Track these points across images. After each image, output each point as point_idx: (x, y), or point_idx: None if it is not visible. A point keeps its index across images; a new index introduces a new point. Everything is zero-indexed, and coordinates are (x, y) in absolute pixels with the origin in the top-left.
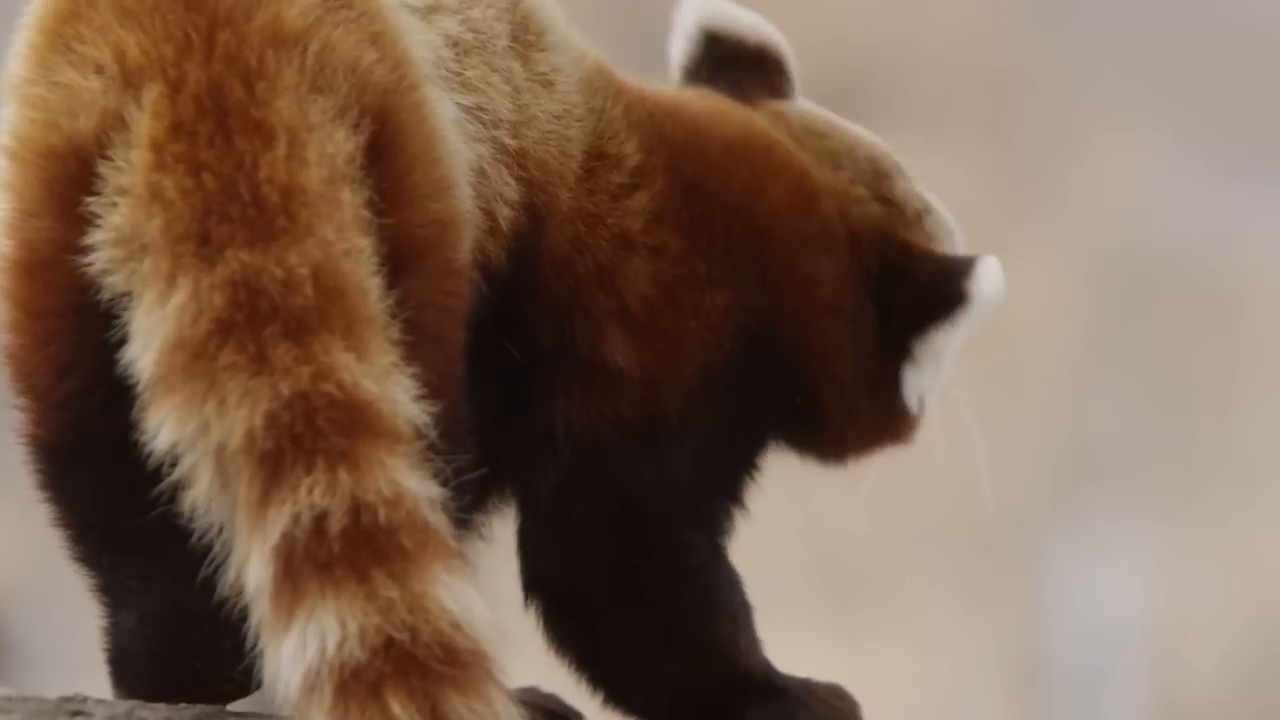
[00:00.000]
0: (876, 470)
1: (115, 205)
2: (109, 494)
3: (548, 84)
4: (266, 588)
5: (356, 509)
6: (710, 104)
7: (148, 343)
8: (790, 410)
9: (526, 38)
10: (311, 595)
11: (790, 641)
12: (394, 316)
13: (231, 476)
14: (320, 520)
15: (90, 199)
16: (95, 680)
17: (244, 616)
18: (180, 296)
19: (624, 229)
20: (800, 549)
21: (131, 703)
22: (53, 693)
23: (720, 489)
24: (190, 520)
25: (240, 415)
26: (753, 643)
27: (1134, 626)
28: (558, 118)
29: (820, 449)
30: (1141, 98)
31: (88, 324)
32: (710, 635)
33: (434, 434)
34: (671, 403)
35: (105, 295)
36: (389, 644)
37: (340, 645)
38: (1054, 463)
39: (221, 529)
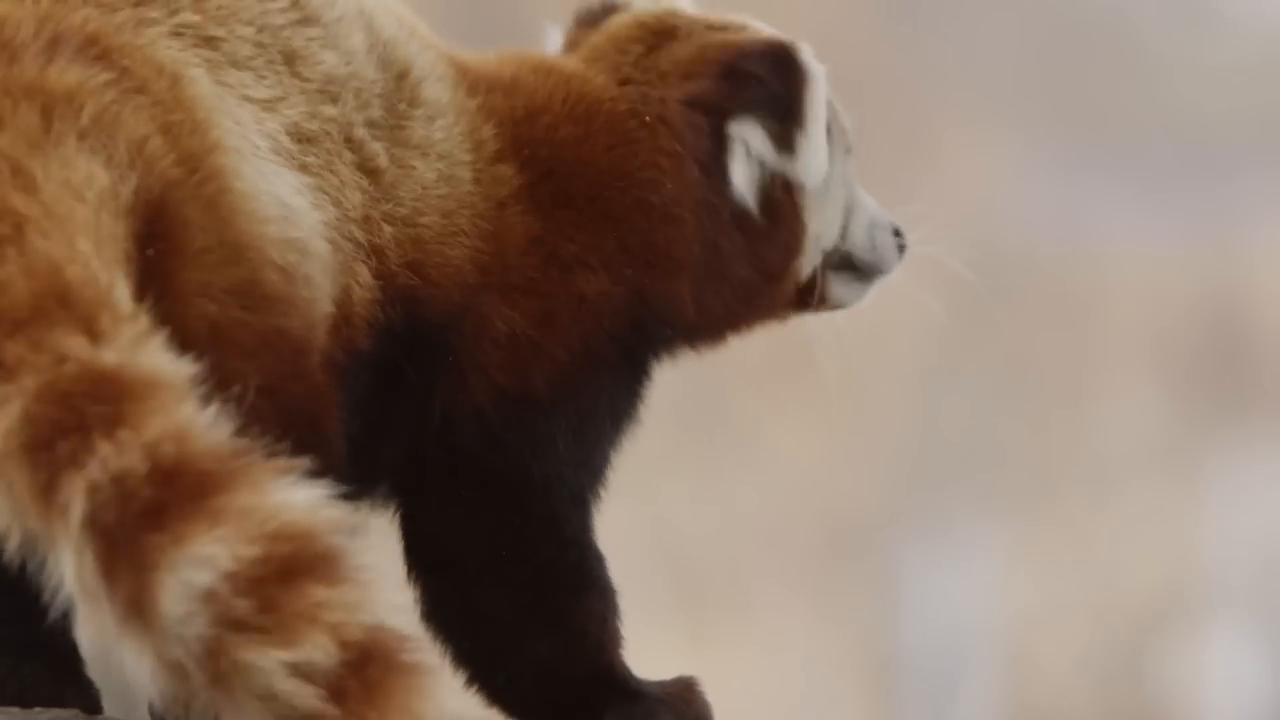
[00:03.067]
0: (726, 470)
1: None
2: None
3: (424, 153)
4: (97, 575)
5: (151, 453)
6: (525, 67)
7: None
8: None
9: (399, 104)
10: (157, 548)
11: (638, 643)
12: (228, 395)
13: (14, 485)
14: (119, 478)
15: None
16: None
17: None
18: None
19: (499, 195)
20: (648, 549)
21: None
22: None
23: (591, 465)
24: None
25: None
26: (616, 636)
27: (986, 627)
28: (437, 181)
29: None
30: (989, 96)
31: None
32: (580, 608)
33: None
34: (540, 381)
35: None
36: (267, 556)
37: (227, 572)
38: (906, 463)
39: (32, 551)
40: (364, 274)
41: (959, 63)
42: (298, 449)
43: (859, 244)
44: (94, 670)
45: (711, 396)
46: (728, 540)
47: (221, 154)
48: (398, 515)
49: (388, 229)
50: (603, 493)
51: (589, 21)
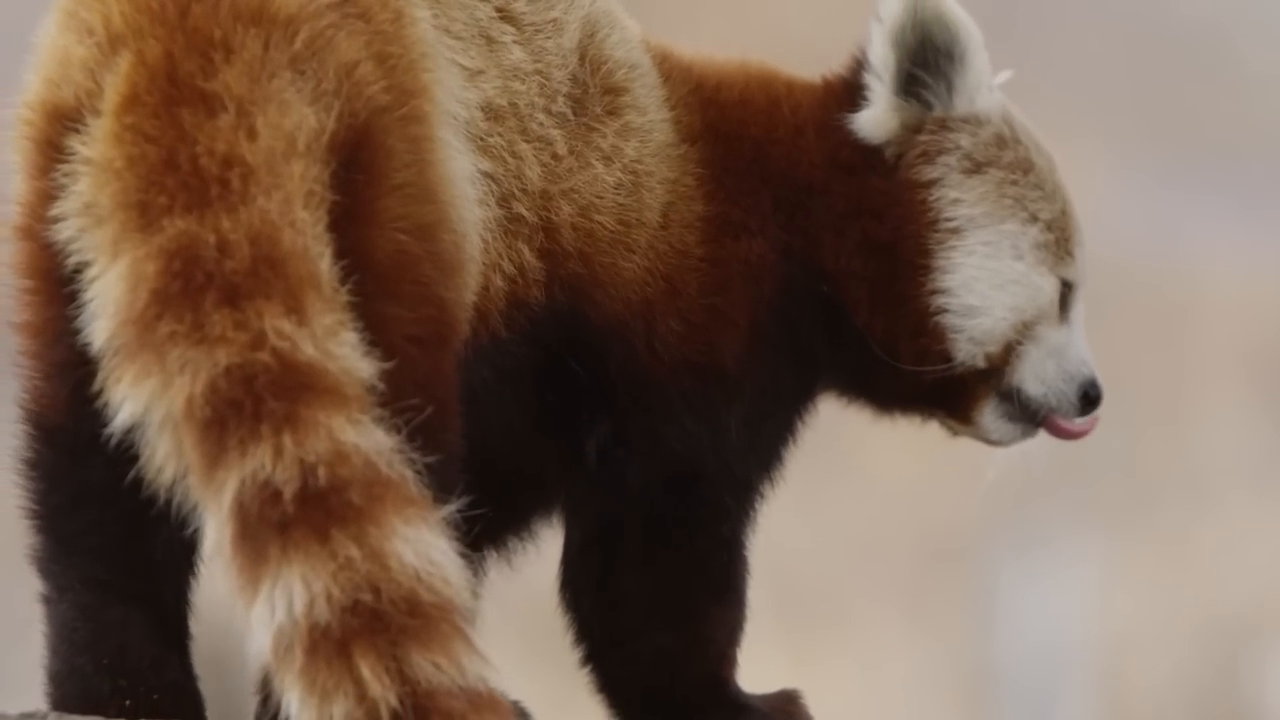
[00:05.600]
0: (825, 486)
1: (80, 174)
2: (83, 465)
3: (607, 159)
4: (228, 552)
5: (304, 471)
6: (722, 59)
7: (98, 314)
8: (838, 346)
9: (595, 108)
10: (273, 558)
11: (740, 656)
12: (369, 342)
13: (183, 446)
14: (267, 484)
15: (63, 167)
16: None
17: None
18: (121, 266)
19: (687, 243)
20: (749, 565)
21: (95, 718)
22: (12, 709)
23: (759, 459)
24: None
25: (181, 384)
26: (736, 654)
27: (1083, 641)
28: (616, 188)
29: (876, 375)
30: (1083, 110)
31: (59, 294)
32: (716, 613)
33: (426, 477)
34: (729, 354)
35: (70, 266)
36: (355, 603)
37: (308, 607)
38: (1001, 478)
39: (184, 498)
40: (525, 254)
41: (1054, 76)
42: (427, 418)
43: (1029, 374)
44: (205, 678)
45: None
46: (826, 556)
47: (429, 101)
48: (565, 491)
49: (566, 208)
50: (771, 483)
51: None
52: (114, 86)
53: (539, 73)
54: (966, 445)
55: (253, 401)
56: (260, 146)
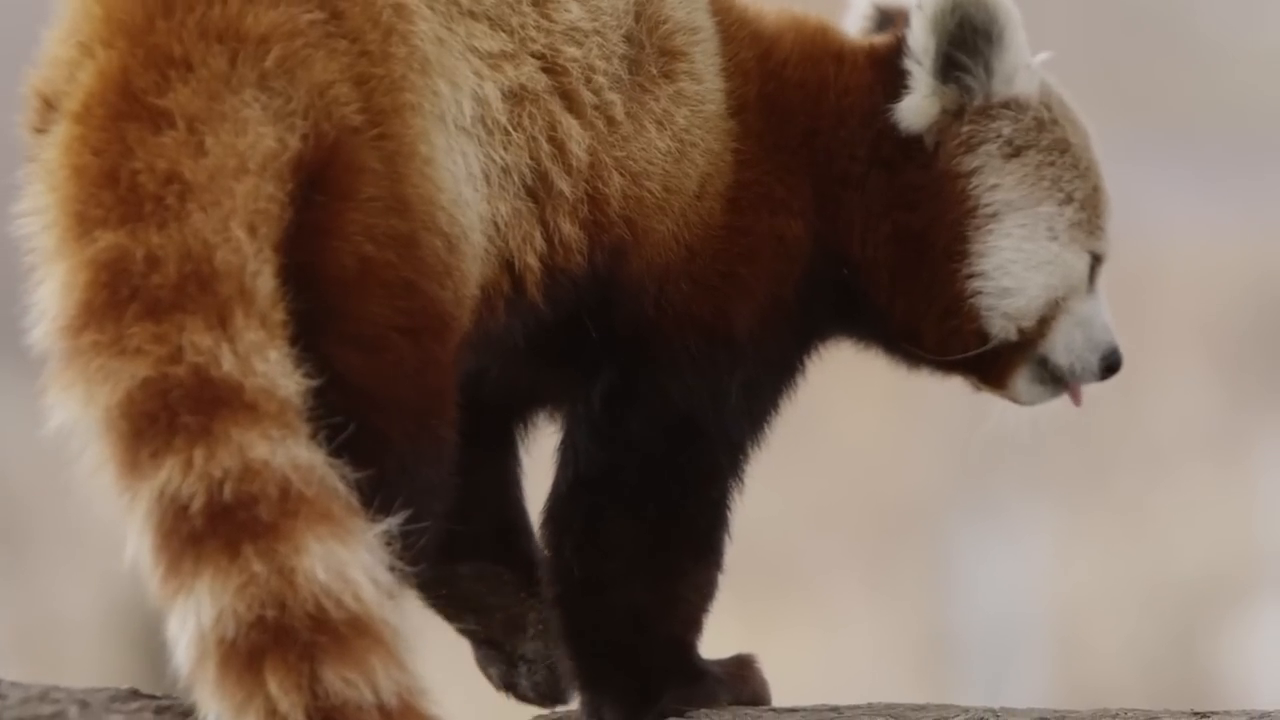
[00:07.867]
0: (783, 454)
1: (38, 175)
2: None
3: (660, 123)
4: (149, 563)
5: (210, 486)
6: (784, 19)
7: (39, 319)
8: (851, 323)
9: (650, 69)
10: (186, 571)
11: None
12: (350, 336)
13: (107, 453)
14: (176, 498)
15: (29, 164)
16: (5, 665)
17: None
18: (59, 273)
19: (714, 212)
20: None
21: (46, 684)
22: None
23: (751, 424)
24: None
25: (101, 395)
26: (703, 620)
27: (1038, 607)
28: (665, 154)
29: (898, 348)
30: None
31: None
32: (694, 573)
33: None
34: (741, 321)
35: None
36: (259, 619)
37: (215, 621)
38: (960, 446)
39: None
40: (565, 227)
41: None
42: (419, 402)
43: (1058, 345)
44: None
45: None
46: (785, 522)
47: (413, 115)
48: (566, 430)
49: (617, 179)
50: (758, 447)
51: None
52: (73, 94)
53: (597, 33)
54: (924, 416)
55: (167, 415)
56: (206, 164)
